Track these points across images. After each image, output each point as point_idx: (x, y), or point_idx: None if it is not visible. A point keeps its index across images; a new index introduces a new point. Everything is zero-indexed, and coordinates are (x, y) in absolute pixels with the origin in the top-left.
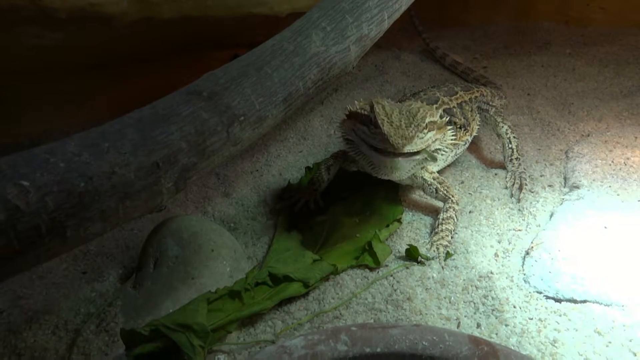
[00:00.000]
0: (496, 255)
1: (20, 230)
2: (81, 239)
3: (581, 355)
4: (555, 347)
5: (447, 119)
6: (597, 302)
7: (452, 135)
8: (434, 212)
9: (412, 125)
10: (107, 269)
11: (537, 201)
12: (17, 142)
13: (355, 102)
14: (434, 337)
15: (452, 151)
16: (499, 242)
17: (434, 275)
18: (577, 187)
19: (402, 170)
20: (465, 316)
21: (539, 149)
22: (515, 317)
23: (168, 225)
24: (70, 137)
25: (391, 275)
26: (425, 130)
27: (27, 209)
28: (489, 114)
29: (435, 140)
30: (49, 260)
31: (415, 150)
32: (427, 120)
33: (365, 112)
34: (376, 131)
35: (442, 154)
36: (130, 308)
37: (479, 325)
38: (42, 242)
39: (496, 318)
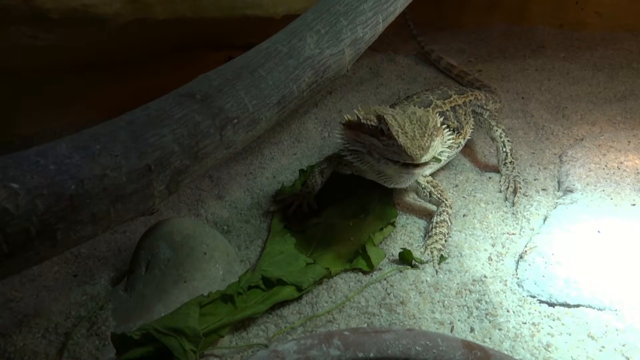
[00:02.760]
0: (490, 259)
1: (9, 233)
2: (72, 242)
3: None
4: (549, 351)
5: (442, 118)
6: (591, 307)
7: (449, 135)
8: (428, 216)
9: (426, 135)
10: (99, 272)
11: (531, 205)
12: (9, 142)
13: (355, 111)
14: (427, 342)
15: (447, 151)
16: (493, 245)
17: (428, 279)
18: (571, 191)
19: (416, 178)
20: (458, 320)
21: (533, 153)
22: (509, 321)
23: (160, 227)
24: (61, 139)
25: (385, 279)
26: (436, 137)
27: (17, 211)
28: (483, 118)
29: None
30: (40, 264)
31: (430, 159)
32: (437, 127)
33: (372, 123)
34: (390, 143)
35: (444, 155)
36: (121, 311)
37: (472, 330)
38: (32, 245)
39: (490, 322)
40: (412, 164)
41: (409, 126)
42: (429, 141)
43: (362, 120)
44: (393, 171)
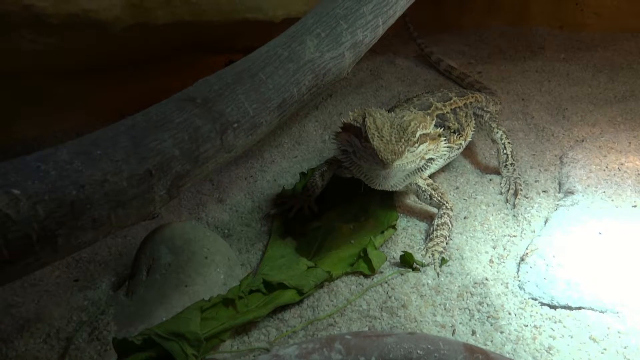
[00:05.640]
0: (491, 261)
1: (10, 239)
2: (73, 248)
3: None
4: (551, 354)
5: (441, 129)
6: (592, 309)
7: (445, 147)
8: (428, 218)
9: (402, 140)
10: (100, 277)
11: (532, 207)
12: (9, 147)
13: (350, 113)
14: (429, 346)
15: (445, 155)
16: (494, 248)
17: (429, 281)
18: (572, 193)
19: (393, 182)
20: (460, 323)
21: (534, 155)
22: (511, 324)
23: (161, 232)
24: (62, 145)
25: (386, 282)
26: (417, 144)
27: (18, 217)
28: (484, 120)
29: (429, 151)
30: (40, 269)
31: (405, 164)
32: (418, 134)
33: (358, 125)
34: (367, 145)
35: (435, 163)
36: (123, 316)
37: (474, 333)
38: (33, 251)
39: (491, 325)
40: (383, 167)
41: (387, 130)
42: (404, 146)
43: (351, 122)
44: (369, 172)
